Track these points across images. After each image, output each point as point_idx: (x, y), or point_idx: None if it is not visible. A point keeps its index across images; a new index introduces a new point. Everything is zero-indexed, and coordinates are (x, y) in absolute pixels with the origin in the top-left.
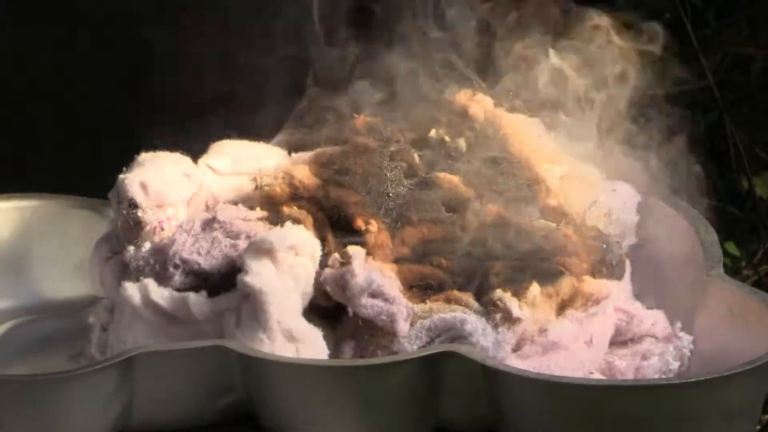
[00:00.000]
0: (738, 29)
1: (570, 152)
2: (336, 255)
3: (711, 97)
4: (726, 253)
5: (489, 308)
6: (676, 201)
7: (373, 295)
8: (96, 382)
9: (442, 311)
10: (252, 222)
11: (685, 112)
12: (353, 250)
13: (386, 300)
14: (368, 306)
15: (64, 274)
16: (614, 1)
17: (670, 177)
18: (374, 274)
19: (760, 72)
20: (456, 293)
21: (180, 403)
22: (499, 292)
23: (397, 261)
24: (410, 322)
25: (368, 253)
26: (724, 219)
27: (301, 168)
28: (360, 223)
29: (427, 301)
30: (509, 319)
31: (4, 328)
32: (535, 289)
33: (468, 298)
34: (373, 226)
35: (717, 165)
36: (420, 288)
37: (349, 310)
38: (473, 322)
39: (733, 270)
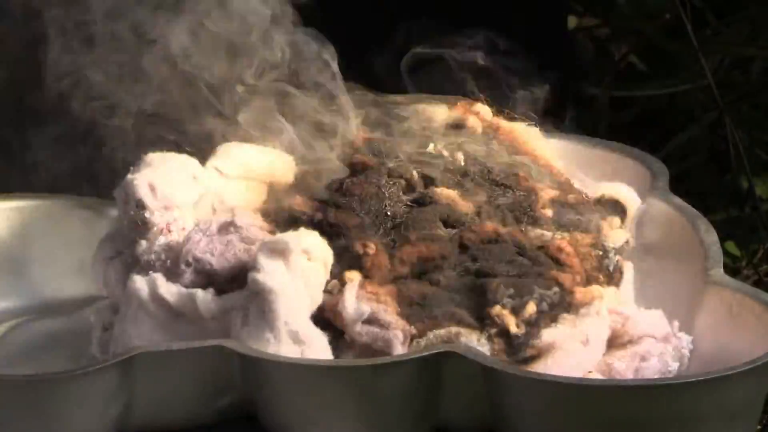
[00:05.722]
0: (738, 29)
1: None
2: (335, 281)
3: (711, 97)
4: (726, 253)
5: (486, 325)
6: (676, 201)
7: (369, 321)
8: (96, 382)
9: (438, 329)
10: (267, 232)
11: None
12: (349, 276)
13: (382, 326)
14: (364, 333)
15: (64, 274)
16: (615, 1)
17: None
18: (365, 305)
19: (760, 72)
20: (454, 310)
21: (180, 403)
22: (497, 309)
23: (395, 280)
24: (408, 344)
25: (366, 276)
26: (724, 219)
27: (299, 194)
28: (358, 247)
29: (426, 320)
30: (506, 336)
31: (4, 328)
32: (531, 307)
33: (466, 315)
34: (371, 248)
35: (717, 165)
36: (419, 307)
37: (346, 336)
38: (468, 334)
39: (733, 270)
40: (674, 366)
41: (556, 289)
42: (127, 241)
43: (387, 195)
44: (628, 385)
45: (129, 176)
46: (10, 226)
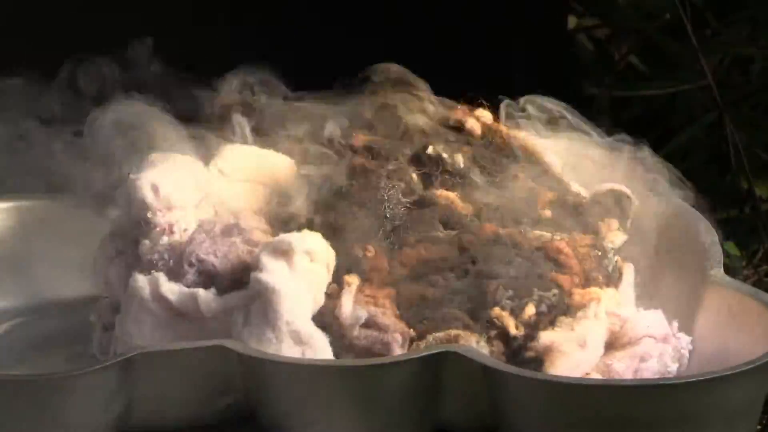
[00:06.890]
0: (738, 29)
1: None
2: (334, 285)
3: (711, 97)
4: (726, 253)
5: (486, 327)
6: (676, 201)
7: (367, 325)
8: (96, 382)
9: (437, 331)
10: (270, 234)
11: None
12: (348, 280)
13: (380, 329)
14: (362, 337)
15: (64, 274)
16: (615, 1)
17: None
18: (361, 310)
19: (760, 72)
20: (453, 312)
21: (180, 404)
22: (496, 311)
23: (395, 282)
24: (407, 346)
25: (365, 279)
26: (724, 219)
27: (298, 198)
28: (357, 250)
29: (425, 322)
30: (506, 338)
31: (4, 328)
32: (530, 308)
33: (465, 317)
34: (370, 251)
35: (717, 165)
36: (418, 309)
37: (345, 340)
38: (467, 337)
39: (733, 270)
40: (673, 367)
41: (555, 290)
42: (129, 240)
43: (386, 197)
44: (628, 385)
45: (132, 176)
46: (10, 226)
